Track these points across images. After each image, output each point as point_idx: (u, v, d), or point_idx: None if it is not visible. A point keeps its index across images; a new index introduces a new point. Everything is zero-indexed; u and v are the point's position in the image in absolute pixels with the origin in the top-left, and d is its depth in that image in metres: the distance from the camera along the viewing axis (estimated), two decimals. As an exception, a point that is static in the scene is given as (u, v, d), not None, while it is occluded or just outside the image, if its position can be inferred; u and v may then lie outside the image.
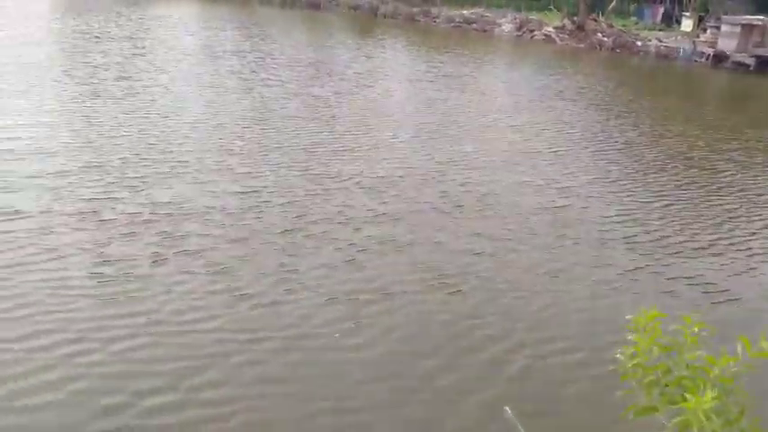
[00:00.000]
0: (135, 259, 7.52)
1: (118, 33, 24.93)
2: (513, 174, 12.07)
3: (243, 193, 9.96)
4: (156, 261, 7.55)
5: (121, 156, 11.15)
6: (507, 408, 5.18)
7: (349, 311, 6.79)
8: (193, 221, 8.74)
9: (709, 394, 2.18)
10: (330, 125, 14.55)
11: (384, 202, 10.05)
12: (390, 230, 9.00)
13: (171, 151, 11.68)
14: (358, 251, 8.23)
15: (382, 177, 11.17)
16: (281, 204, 9.61)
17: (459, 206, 10.18)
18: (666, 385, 2.42)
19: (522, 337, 6.63)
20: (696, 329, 2.46)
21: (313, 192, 10.27)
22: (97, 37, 23.86)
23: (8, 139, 11.55)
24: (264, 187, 10.26)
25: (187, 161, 11.19)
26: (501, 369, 6.07)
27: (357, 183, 10.81)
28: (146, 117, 13.80)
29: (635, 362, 2.47)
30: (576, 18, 39.13)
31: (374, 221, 9.27)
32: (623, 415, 2.48)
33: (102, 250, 7.67)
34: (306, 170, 11.30)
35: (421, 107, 17.33)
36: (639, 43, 36.39)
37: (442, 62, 25.93)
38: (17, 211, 8.51)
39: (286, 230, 8.70)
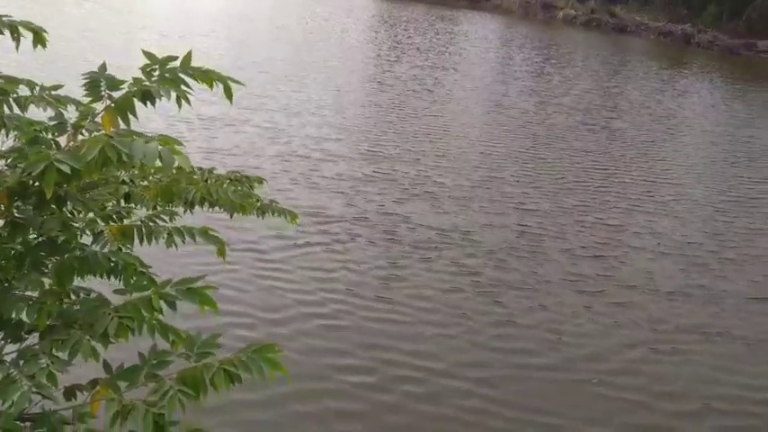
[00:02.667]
0: (422, 285, 7.36)
1: (426, 45, 26.15)
2: None
3: (529, 233, 9.23)
4: (451, 291, 7.32)
5: (414, 170, 11.25)
6: None
7: None
8: (481, 256, 8.31)
9: None
10: (629, 167, 13.00)
11: (702, 275, 8.42)
12: (707, 322, 7.43)
13: (456, 172, 11.46)
14: (662, 342, 6.91)
15: (700, 244, 9.44)
16: (576, 255, 8.64)
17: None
18: None
19: None
20: None
21: (613, 247, 9.07)
22: (407, 48, 25.31)
23: (324, 139, 12.49)
24: (550, 229, 9.39)
25: (473, 186, 10.83)
26: None
27: (665, 244, 9.30)
28: (437, 134, 13.85)
29: None
30: None
31: (688, 303, 7.75)
32: None
33: (387, 272, 7.62)
34: (601, 219, 10.12)
35: (749, 157, 14.70)
36: None
37: (772, 105, 22.04)
38: (328, 215, 8.96)
39: (585, 291, 7.70)
